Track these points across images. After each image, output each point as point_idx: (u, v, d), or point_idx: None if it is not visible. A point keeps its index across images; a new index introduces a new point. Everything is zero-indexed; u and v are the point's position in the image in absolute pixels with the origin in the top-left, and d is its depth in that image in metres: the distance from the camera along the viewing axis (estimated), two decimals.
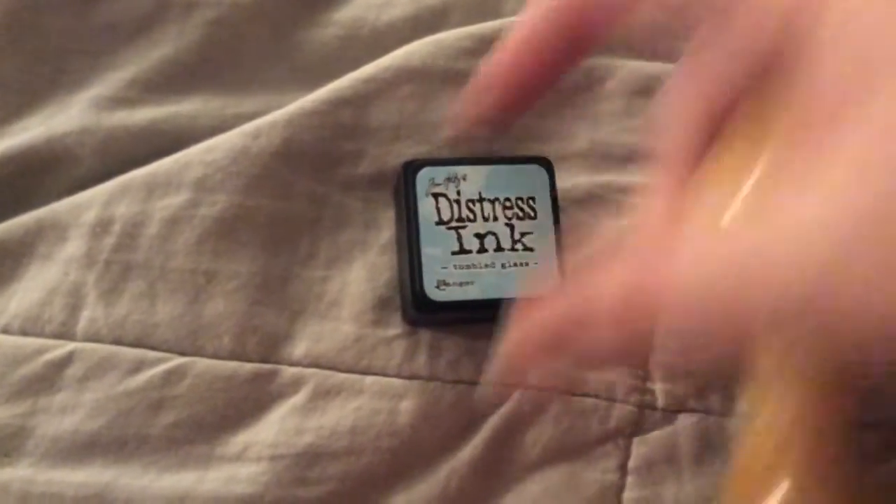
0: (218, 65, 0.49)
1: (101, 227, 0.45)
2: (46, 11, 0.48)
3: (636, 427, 0.44)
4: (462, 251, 0.42)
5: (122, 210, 0.45)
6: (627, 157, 0.49)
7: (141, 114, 0.47)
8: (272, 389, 0.44)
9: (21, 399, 0.42)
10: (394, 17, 0.50)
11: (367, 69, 0.48)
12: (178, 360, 0.43)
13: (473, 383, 0.44)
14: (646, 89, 0.50)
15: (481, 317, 0.41)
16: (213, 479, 0.42)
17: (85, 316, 0.44)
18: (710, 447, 0.44)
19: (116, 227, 0.45)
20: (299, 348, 0.44)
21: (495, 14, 0.51)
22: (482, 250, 0.43)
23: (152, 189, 0.45)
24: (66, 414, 0.42)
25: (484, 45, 0.48)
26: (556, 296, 0.37)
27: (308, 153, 0.46)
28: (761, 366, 0.38)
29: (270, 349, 0.44)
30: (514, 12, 0.51)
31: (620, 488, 0.43)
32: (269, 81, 0.49)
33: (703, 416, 0.44)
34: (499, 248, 0.43)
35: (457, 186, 0.43)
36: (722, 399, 0.44)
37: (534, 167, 0.44)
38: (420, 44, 0.48)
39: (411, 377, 0.44)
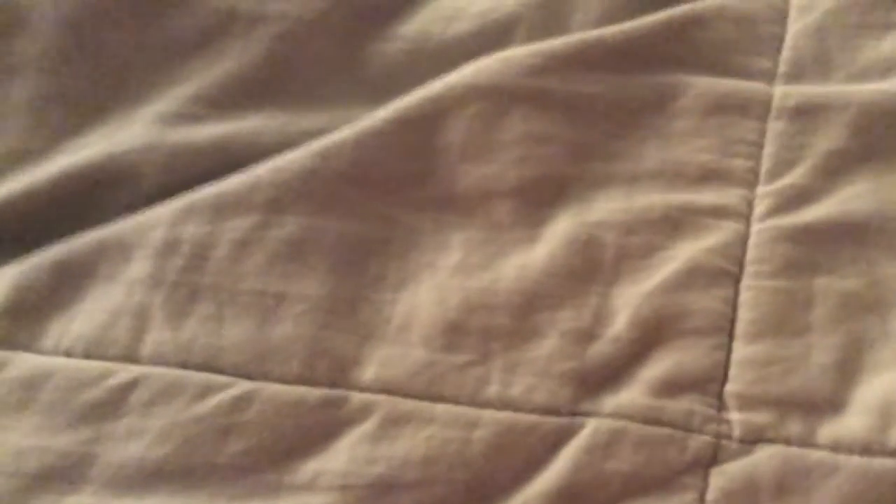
0: (282, 80, 0.48)
1: (168, 247, 0.44)
2: (109, 25, 0.48)
3: (713, 458, 0.42)
4: None
5: (191, 230, 0.44)
6: (702, 177, 0.48)
7: (205, 130, 0.47)
8: (341, 416, 0.43)
9: (85, 425, 0.42)
10: (460, 31, 0.50)
11: (434, 87, 0.47)
12: (246, 386, 0.42)
13: (548, 412, 0.43)
14: (719, 107, 0.49)
15: None
16: None
17: (150, 339, 0.43)
18: (791, 478, 0.43)
19: (185, 249, 0.44)
20: (368, 373, 0.43)
21: (563, 29, 0.50)
22: None
23: (220, 209, 0.44)
24: (132, 440, 0.41)
25: (553, 62, 0.48)
26: None
27: (376, 174, 0.46)
28: None
29: (339, 374, 0.43)
30: (581, 26, 0.50)
31: None
32: (333, 96, 0.48)
33: (781, 446, 0.43)
34: None
35: None
36: (801, 429, 0.43)
37: None
38: (488, 61, 0.48)
39: (484, 405, 0.43)
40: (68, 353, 0.43)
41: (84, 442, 0.41)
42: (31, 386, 0.42)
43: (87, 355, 0.43)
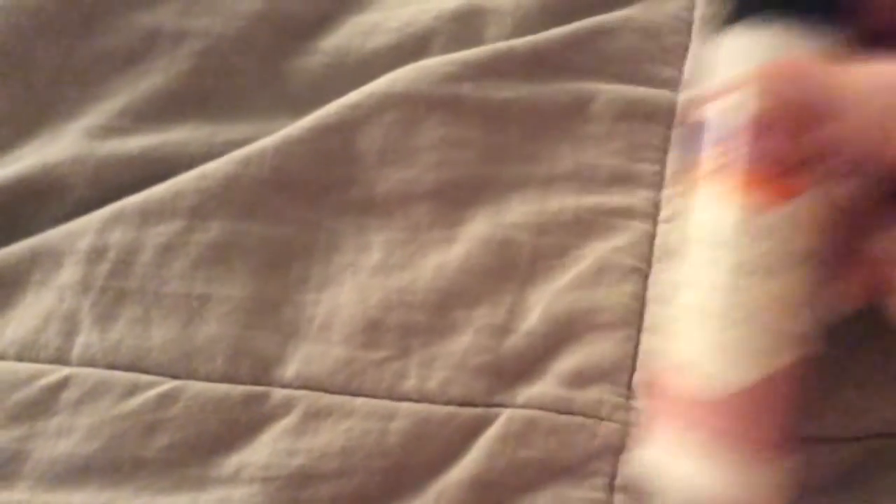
0: (207, 93, 0.50)
1: (96, 254, 0.46)
2: (39, 43, 0.49)
3: (622, 445, 0.44)
4: None
5: (117, 237, 0.46)
6: (612, 180, 0.49)
7: (132, 142, 0.48)
8: (264, 411, 0.44)
9: (18, 423, 0.43)
10: (378, 45, 0.51)
11: (352, 96, 0.48)
12: (171, 384, 0.44)
13: (463, 404, 0.45)
14: (628, 114, 0.51)
15: None
16: (207, 500, 0.42)
17: (80, 341, 0.45)
18: None
19: (111, 254, 0.46)
20: (290, 370, 0.45)
21: (477, 41, 0.52)
22: None
23: (146, 216, 0.46)
24: (62, 437, 0.43)
25: (467, 70, 0.49)
26: None
27: (298, 180, 0.47)
28: None
29: (262, 371, 0.45)
30: (495, 39, 0.52)
31: None
32: (257, 109, 0.50)
33: None
34: None
35: None
36: None
37: None
38: (404, 70, 0.49)
39: (401, 398, 0.45)
40: (2, 357, 0.45)
41: (17, 439, 0.43)
42: None
43: (20, 358, 0.45)
